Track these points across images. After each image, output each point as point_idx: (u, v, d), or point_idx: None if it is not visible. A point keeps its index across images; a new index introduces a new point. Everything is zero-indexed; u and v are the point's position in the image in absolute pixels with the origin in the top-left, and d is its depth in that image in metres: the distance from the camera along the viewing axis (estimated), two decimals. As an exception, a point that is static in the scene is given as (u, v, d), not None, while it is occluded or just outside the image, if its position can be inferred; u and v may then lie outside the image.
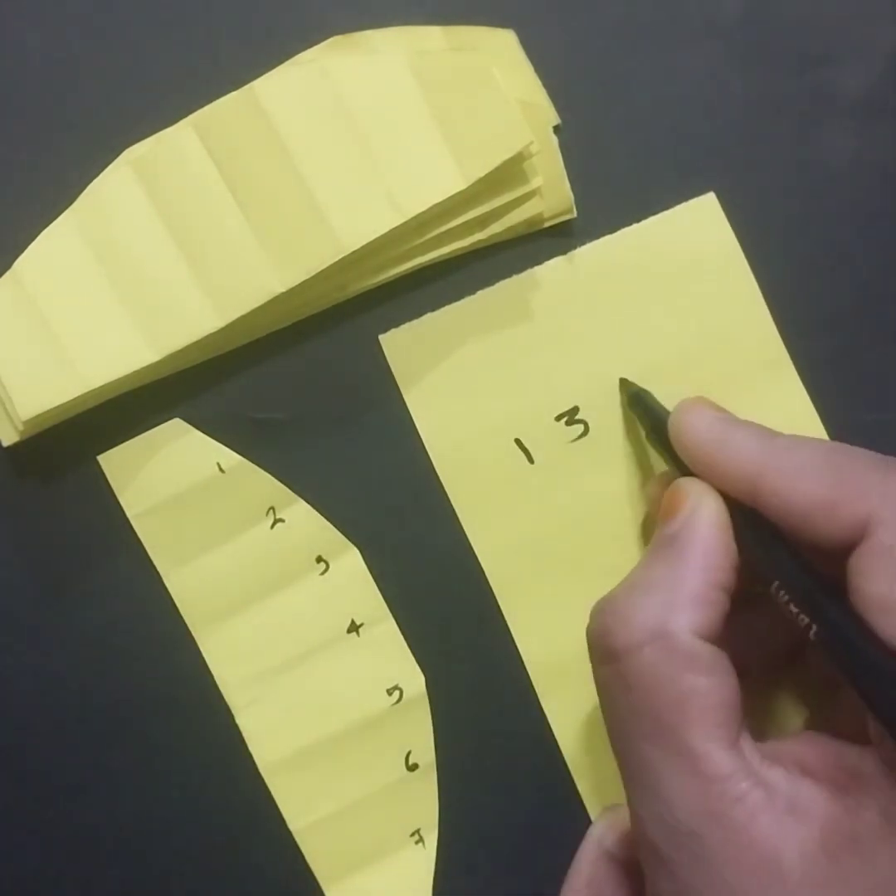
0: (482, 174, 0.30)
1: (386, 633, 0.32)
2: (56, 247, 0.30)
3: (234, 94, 0.30)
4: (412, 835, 0.32)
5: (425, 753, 0.32)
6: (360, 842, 0.32)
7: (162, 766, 0.32)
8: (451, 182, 0.30)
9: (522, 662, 0.32)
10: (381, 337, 0.32)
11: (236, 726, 0.32)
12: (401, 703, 0.32)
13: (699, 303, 0.32)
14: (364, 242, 0.30)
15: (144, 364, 0.30)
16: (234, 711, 0.32)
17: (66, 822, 0.32)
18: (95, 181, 0.31)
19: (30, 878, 0.32)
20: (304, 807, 0.32)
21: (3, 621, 0.32)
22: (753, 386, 0.32)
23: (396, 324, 0.32)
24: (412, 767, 0.32)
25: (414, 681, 0.32)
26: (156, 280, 0.30)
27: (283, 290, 0.30)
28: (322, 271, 0.30)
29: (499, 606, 0.32)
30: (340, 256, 0.30)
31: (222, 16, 0.32)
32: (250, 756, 0.32)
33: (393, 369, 0.32)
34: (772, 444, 0.27)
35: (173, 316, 0.30)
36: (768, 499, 0.26)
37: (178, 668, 0.32)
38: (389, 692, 0.32)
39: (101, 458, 0.32)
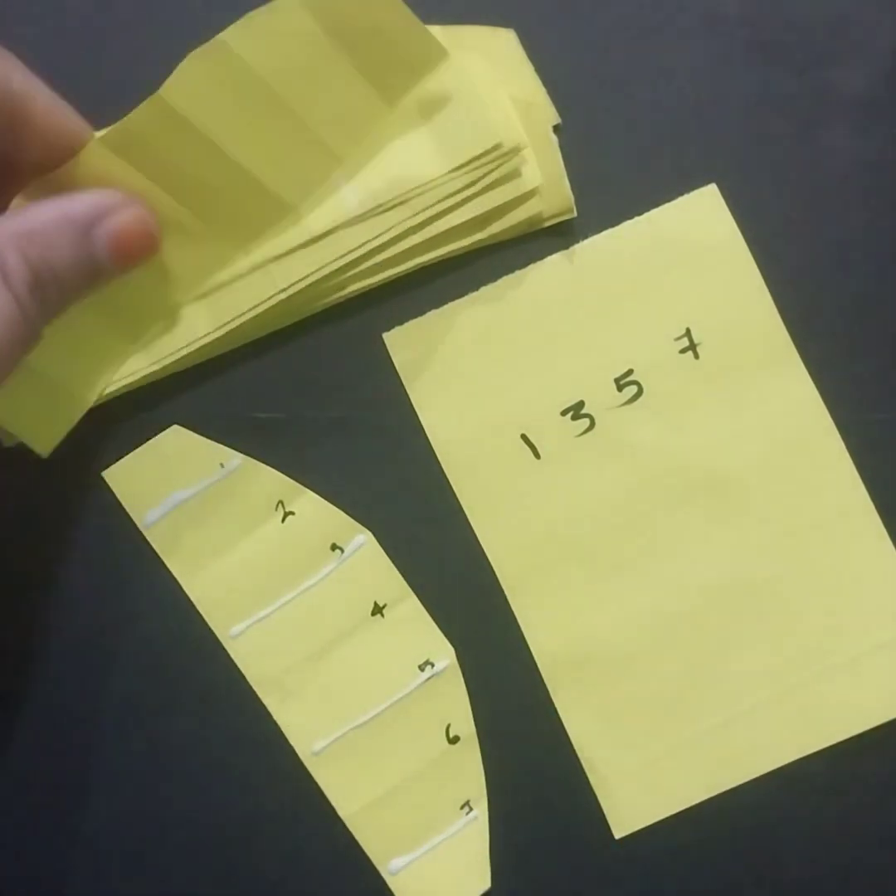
0: (404, 95, 0.30)
1: (410, 611, 0.32)
2: None
3: (147, 100, 0.29)
4: (462, 807, 0.32)
5: (465, 725, 0.32)
6: (412, 820, 0.32)
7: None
8: (376, 110, 0.30)
9: (530, 652, 0.32)
10: (384, 335, 0.32)
11: (273, 722, 0.32)
12: (434, 677, 0.32)
13: (703, 294, 0.32)
14: (332, 226, 0.30)
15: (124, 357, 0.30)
16: (269, 708, 0.32)
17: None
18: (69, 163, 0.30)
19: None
20: (351, 792, 0.32)
21: (3, 621, 0.32)
22: (759, 376, 0.32)
23: (398, 322, 0.32)
24: (453, 740, 0.32)
25: (444, 654, 0.32)
26: None
27: (250, 266, 0.30)
28: (322, 269, 0.30)
29: (507, 599, 0.32)
30: (309, 238, 0.30)
31: (224, 16, 0.32)
32: (291, 749, 0.32)
33: (397, 366, 0.32)
34: None
35: (143, 298, 0.30)
36: None
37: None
38: (421, 668, 0.32)
39: (106, 474, 0.32)
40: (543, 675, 0.32)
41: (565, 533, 0.32)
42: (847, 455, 0.32)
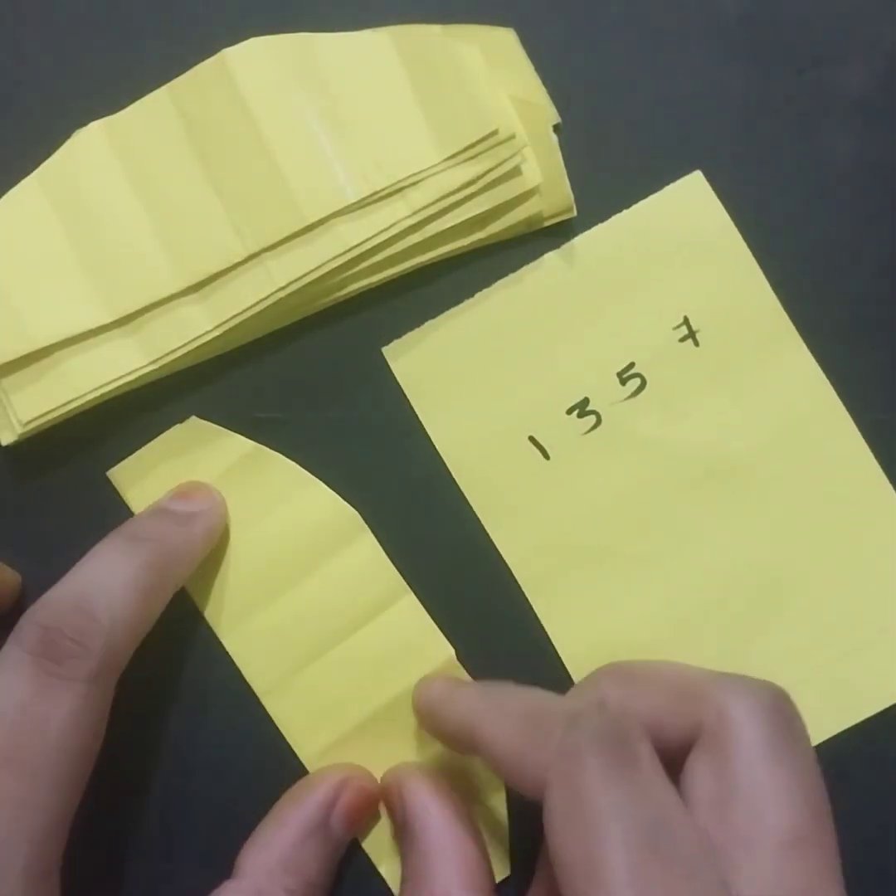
0: (457, 149, 0.30)
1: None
2: (19, 204, 0.31)
3: (206, 61, 0.31)
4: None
5: None
6: None
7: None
8: (426, 156, 0.30)
9: (557, 655, 0.32)
10: (384, 349, 0.32)
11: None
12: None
13: (699, 281, 0.32)
14: (326, 214, 0.30)
15: (97, 324, 0.30)
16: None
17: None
18: (64, 145, 0.31)
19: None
20: None
21: (4, 624, 0.32)
22: (761, 358, 0.32)
23: (396, 322, 0.32)
24: None
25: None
26: (117, 240, 0.30)
27: (245, 253, 0.30)
28: (321, 267, 0.30)
29: (527, 601, 0.32)
30: (303, 226, 0.30)
31: (221, 13, 0.32)
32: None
33: (399, 379, 0.32)
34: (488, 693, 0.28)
35: (133, 277, 0.30)
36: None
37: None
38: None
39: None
40: (572, 675, 0.32)
41: (581, 531, 0.32)
42: (855, 429, 0.32)
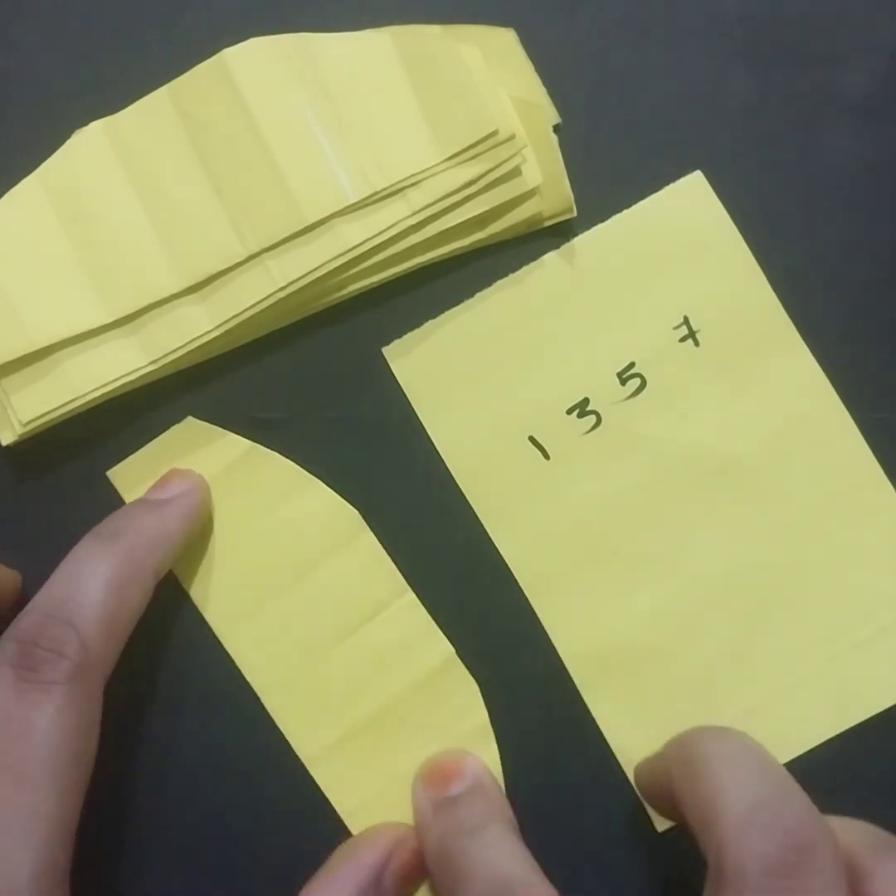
0: (457, 149, 0.30)
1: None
2: (20, 204, 0.31)
3: (206, 62, 0.31)
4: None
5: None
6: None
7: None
8: (426, 156, 0.30)
9: (557, 655, 0.32)
10: (384, 349, 0.32)
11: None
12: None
13: (699, 281, 0.32)
14: (326, 214, 0.30)
15: (97, 324, 0.30)
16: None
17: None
18: (64, 145, 0.31)
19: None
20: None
21: (5, 625, 0.32)
22: (761, 358, 0.32)
23: (396, 322, 0.32)
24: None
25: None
26: (117, 240, 0.31)
27: (245, 254, 0.30)
28: (321, 267, 0.30)
29: (528, 601, 0.32)
30: (303, 226, 0.30)
31: (221, 12, 0.32)
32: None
33: (399, 380, 0.32)
34: None
35: (133, 277, 0.30)
36: None
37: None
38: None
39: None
40: (572, 674, 0.32)
41: (582, 531, 0.32)
42: (855, 429, 0.32)
